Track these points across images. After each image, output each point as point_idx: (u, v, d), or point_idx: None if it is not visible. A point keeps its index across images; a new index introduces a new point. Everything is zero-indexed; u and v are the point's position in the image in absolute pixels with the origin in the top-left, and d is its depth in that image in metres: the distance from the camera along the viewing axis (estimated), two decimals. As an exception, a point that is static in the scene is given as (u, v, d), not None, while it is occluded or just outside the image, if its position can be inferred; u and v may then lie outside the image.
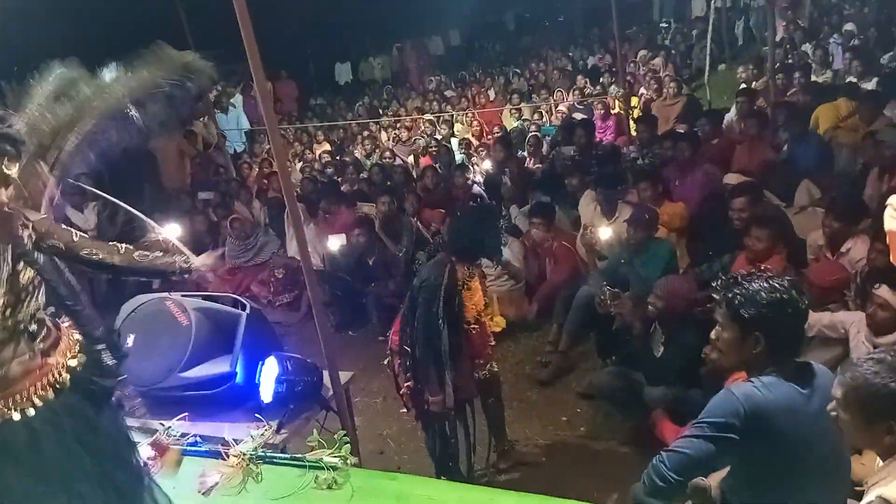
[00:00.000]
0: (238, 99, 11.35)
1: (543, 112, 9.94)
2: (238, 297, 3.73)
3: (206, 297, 3.67)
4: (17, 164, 2.07)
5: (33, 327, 2.06)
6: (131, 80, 2.29)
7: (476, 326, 3.45)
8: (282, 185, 3.50)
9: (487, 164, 7.40)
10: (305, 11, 14.65)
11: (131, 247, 2.35)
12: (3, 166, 2.01)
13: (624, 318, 3.98)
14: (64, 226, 2.30)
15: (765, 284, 2.04)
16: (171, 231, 2.68)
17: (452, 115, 10.73)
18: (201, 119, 9.49)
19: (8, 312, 1.99)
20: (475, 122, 10.07)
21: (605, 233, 4.71)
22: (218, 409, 3.31)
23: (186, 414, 3.17)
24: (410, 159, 9.01)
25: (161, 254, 2.45)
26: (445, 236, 3.91)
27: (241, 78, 13.24)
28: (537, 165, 7.34)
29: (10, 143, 2.03)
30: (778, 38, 9.41)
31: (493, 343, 3.70)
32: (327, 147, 10.47)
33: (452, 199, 6.61)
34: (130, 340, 3.47)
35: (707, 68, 9.78)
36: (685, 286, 3.86)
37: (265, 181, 8.63)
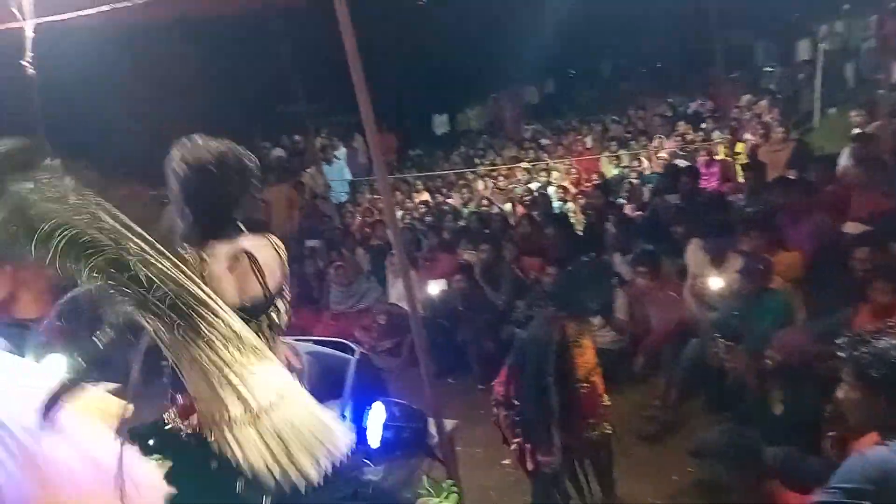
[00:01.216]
0: (342, 151, 11.83)
1: (643, 159, 9.82)
2: (347, 342, 3.83)
3: (316, 341, 3.81)
4: None
5: None
6: None
7: (587, 385, 3.38)
8: (391, 230, 3.60)
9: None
10: (404, 65, 15.23)
11: None
12: None
13: (738, 373, 3.82)
14: None
15: (895, 342, 1.94)
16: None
17: (548, 163, 10.77)
18: (309, 170, 9.95)
19: None
20: (572, 170, 10.06)
21: (715, 283, 4.56)
22: (326, 452, 3.38)
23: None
24: (508, 207, 9.07)
25: None
26: (554, 291, 3.88)
27: (345, 131, 13.87)
28: (638, 213, 7.23)
29: None
30: (894, 81, 8.99)
31: (606, 403, 3.61)
32: (426, 196, 10.71)
33: (551, 247, 6.59)
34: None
35: (817, 112, 9.42)
36: (804, 340, 3.68)
37: (368, 229, 8.91)
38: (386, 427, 3.34)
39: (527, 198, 8.76)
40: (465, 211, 9.40)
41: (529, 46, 14.31)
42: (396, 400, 3.52)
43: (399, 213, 10.16)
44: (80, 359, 3.73)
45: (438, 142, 16.44)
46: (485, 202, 9.21)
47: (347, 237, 8.61)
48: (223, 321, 2.02)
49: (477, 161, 12.58)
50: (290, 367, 3.62)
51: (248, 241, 2.26)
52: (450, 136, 17.00)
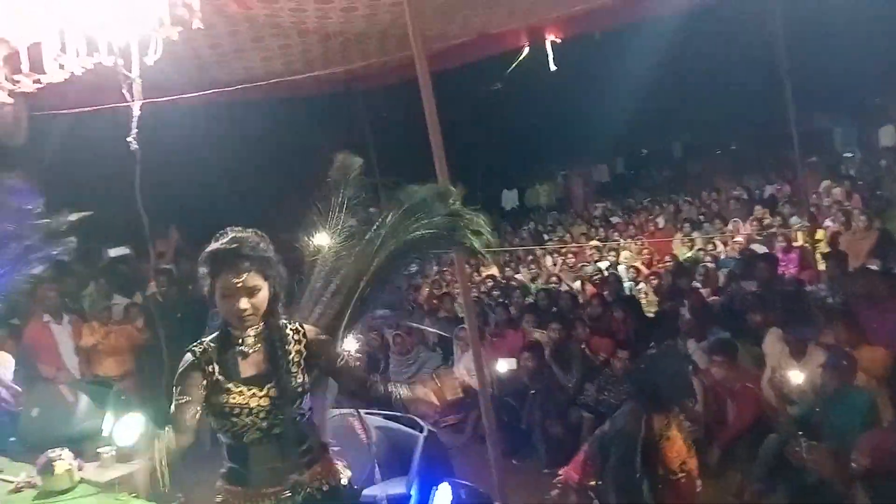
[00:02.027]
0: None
1: (718, 242, 9.65)
2: (416, 419, 3.86)
3: (385, 416, 3.84)
4: (267, 280, 2.33)
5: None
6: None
7: (683, 475, 3.28)
8: (464, 304, 3.64)
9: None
10: (475, 141, 15.63)
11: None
12: (249, 278, 2.28)
13: (821, 474, 3.63)
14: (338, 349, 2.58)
15: None
16: (349, 345, 2.89)
17: (620, 242, 10.70)
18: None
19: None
20: (644, 250, 9.96)
21: (795, 377, 4.39)
22: (392, 530, 3.37)
23: (363, 533, 3.25)
24: (577, 285, 9.02)
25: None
26: (635, 386, 3.82)
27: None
28: (713, 298, 7.06)
29: (265, 262, 2.32)
30: None
31: (699, 489, 3.48)
32: (493, 271, 10.75)
33: (621, 329, 6.49)
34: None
35: (901, 200, 9.13)
36: (893, 444, 3.48)
37: (436, 301, 8.99)
38: (452, 509, 3.32)
39: (596, 277, 8.70)
40: (533, 287, 9.38)
41: (600, 125, 14.50)
42: (463, 482, 3.51)
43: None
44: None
45: (507, 217, 16.61)
46: (553, 279, 9.18)
47: (416, 308, 8.70)
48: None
49: (546, 237, 12.61)
50: (359, 440, 3.68)
51: None
52: (518, 211, 17.17)
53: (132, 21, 3.50)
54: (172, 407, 2.23)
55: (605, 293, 7.61)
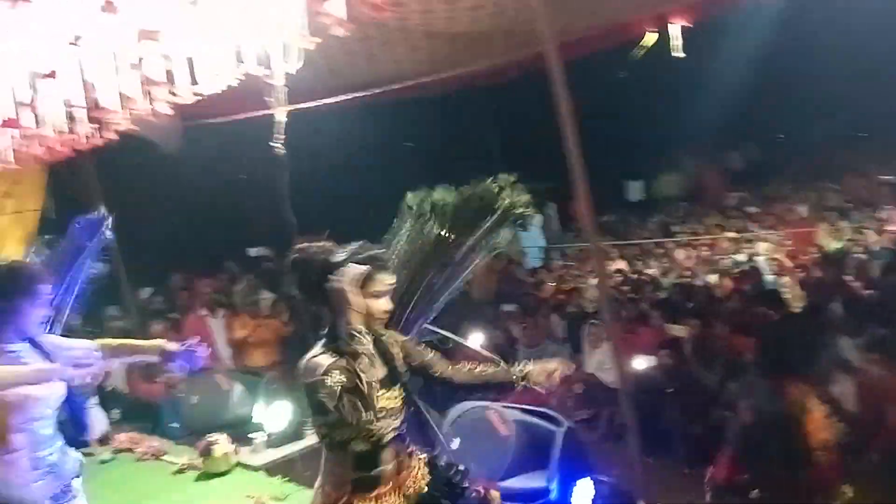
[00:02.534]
0: (538, 218, 12.01)
1: (869, 231, 8.93)
2: (555, 414, 3.85)
3: (524, 410, 3.86)
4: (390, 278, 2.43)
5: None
6: None
7: (824, 453, 3.11)
8: (601, 299, 3.59)
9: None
10: (597, 130, 15.29)
11: (469, 365, 2.63)
12: (380, 279, 2.37)
13: None
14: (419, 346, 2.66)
15: None
16: (475, 340, 2.93)
17: (759, 234, 10.14)
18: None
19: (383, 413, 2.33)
20: (786, 241, 9.37)
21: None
22: (531, 523, 3.38)
23: (502, 524, 3.28)
24: (713, 279, 8.62)
25: (491, 369, 2.67)
26: (768, 352, 3.64)
27: (542, 198, 14.09)
28: (867, 292, 6.55)
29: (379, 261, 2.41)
30: None
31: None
32: (622, 265, 10.50)
33: (765, 325, 6.15)
34: (455, 444, 3.76)
35: None
36: None
37: (562, 296, 8.91)
38: (594, 504, 3.29)
39: (735, 270, 8.28)
40: (665, 282, 9.07)
41: (733, 110, 13.78)
42: (604, 478, 3.47)
43: (593, 282, 10.05)
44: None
45: (634, 208, 16.11)
46: (687, 273, 8.83)
47: (542, 303, 8.66)
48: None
49: (676, 229, 12.15)
50: (497, 433, 3.73)
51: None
52: (645, 202, 16.61)
53: (276, 30, 3.71)
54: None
55: (746, 287, 7.25)
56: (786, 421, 3.01)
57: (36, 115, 3.73)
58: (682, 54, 6.50)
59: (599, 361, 6.52)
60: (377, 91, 6.49)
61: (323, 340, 2.30)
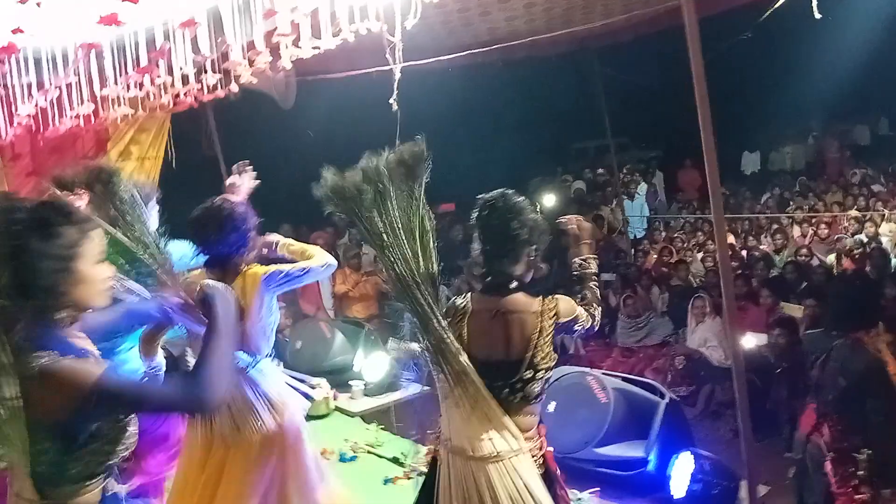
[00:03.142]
0: (643, 187, 11.67)
1: None
2: (657, 385, 3.77)
3: (625, 379, 3.81)
4: None
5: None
6: None
7: None
8: (721, 276, 3.45)
9: None
10: (713, 98, 14.56)
11: None
12: None
13: None
14: None
15: None
16: None
17: (885, 213, 9.45)
18: (609, 205, 9.98)
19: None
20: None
21: None
22: (626, 491, 3.36)
23: (598, 489, 3.28)
24: (831, 259, 8.14)
25: None
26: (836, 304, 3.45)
27: (648, 166, 13.64)
28: None
29: None
30: None
31: None
32: (732, 240, 10.06)
33: (889, 309, 5.76)
34: (551, 407, 3.75)
35: None
36: None
37: (665, 269, 8.65)
38: (694, 479, 3.21)
39: (857, 251, 7.77)
40: (778, 259, 8.64)
41: (861, 81, 12.79)
42: (707, 453, 3.37)
43: (699, 255, 9.70)
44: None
45: (747, 181, 15.35)
46: (804, 252, 8.36)
47: (643, 274, 8.45)
48: (469, 376, 2.25)
49: (793, 205, 11.50)
50: (596, 399, 3.68)
51: (512, 304, 2.36)
52: (760, 175, 15.77)
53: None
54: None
55: (868, 269, 6.80)
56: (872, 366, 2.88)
57: (169, 64, 3.91)
58: (819, 15, 6.10)
59: (703, 337, 6.32)
60: (489, 49, 6.40)
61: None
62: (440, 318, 2.31)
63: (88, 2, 3.42)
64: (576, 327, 2.36)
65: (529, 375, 2.26)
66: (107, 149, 6.24)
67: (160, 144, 6.49)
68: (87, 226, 1.67)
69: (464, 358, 2.27)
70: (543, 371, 2.28)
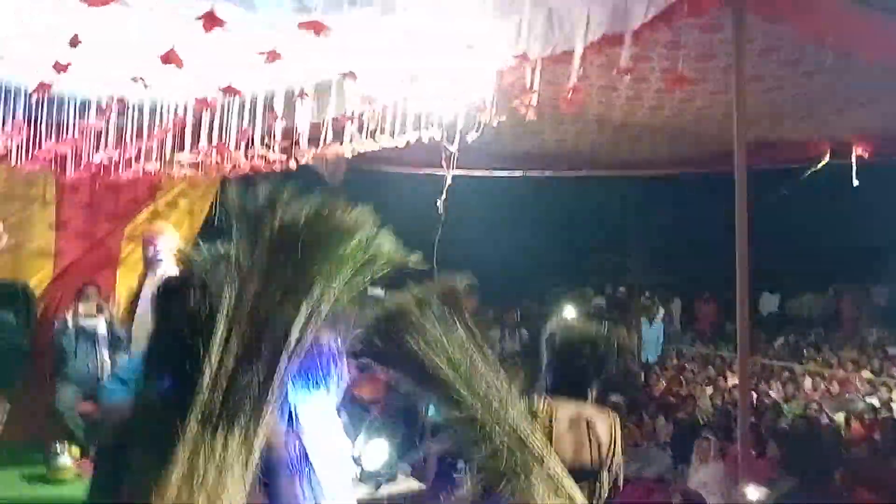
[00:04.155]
0: (661, 311, 11.77)
1: None
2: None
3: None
4: None
5: None
6: None
7: None
8: (740, 414, 3.47)
9: None
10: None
11: None
12: None
13: None
14: None
15: None
16: None
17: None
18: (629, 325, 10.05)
19: None
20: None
21: None
22: None
23: None
24: (839, 417, 8.08)
25: None
26: None
27: (668, 289, 13.75)
28: None
29: None
30: None
31: None
32: (741, 380, 10.03)
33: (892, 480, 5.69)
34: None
35: None
36: None
37: (673, 399, 8.62)
38: None
39: (868, 415, 7.73)
40: (786, 408, 8.58)
41: (881, 240, 13.01)
42: None
43: (709, 390, 9.66)
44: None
45: (763, 322, 15.38)
46: (814, 406, 8.32)
47: (651, 401, 8.42)
48: (556, 482, 2.06)
49: (806, 355, 11.50)
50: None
51: (590, 411, 2.51)
52: (776, 318, 15.81)
53: (462, 100, 3.95)
54: None
55: (876, 436, 6.76)
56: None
57: (238, 137, 4.14)
58: (857, 182, 6.42)
59: (703, 480, 6.25)
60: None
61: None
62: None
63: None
64: None
65: None
66: (156, 197, 6.50)
67: (207, 201, 6.76)
68: None
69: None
70: None
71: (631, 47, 2.78)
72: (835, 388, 9.33)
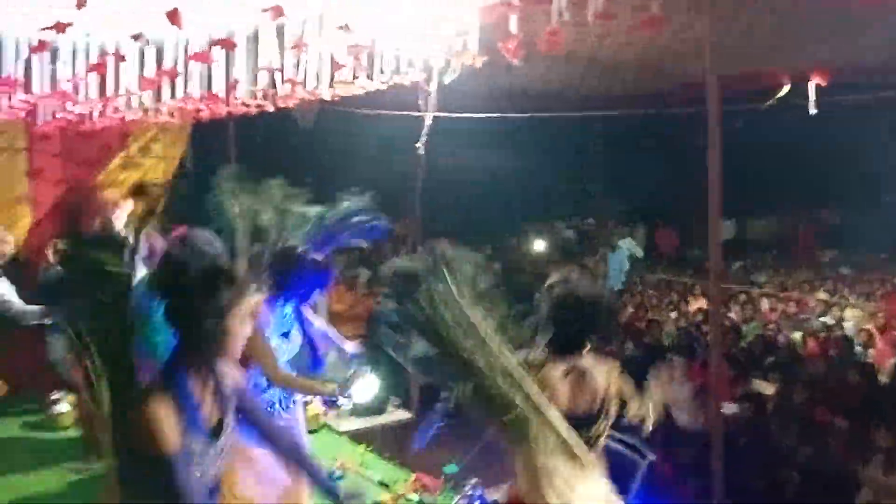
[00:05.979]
0: (626, 241, 12.07)
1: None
2: (640, 445, 4.01)
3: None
4: None
5: None
6: None
7: None
8: (712, 347, 3.71)
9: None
10: (695, 162, 15.10)
11: None
12: None
13: None
14: None
15: None
16: None
17: (849, 300, 9.94)
18: (595, 256, 10.35)
19: None
20: (880, 313, 9.15)
21: None
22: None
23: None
24: (797, 336, 8.55)
25: None
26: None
27: (630, 219, 14.10)
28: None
29: None
30: None
31: None
32: (703, 303, 10.47)
33: (849, 396, 6.12)
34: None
35: None
36: None
37: (638, 324, 8.99)
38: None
39: (821, 333, 8.20)
40: (746, 329, 9.04)
41: (848, 166, 13.43)
42: (679, 515, 3.62)
43: (673, 315, 10.08)
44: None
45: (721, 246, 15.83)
46: (771, 326, 8.78)
47: (618, 328, 8.75)
48: (553, 429, 2.29)
49: (763, 279, 12.01)
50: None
51: (588, 361, 2.61)
52: (734, 243, 16.34)
53: (440, 42, 3.97)
54: None
55: (832, 352, 7.21)
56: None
57: (227, 79, 4.06)
58: (815, 111, 6.56)
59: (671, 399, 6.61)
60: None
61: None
62: None
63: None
64: None
65: None
66: (128, 143, 6.42)
67: (181, 146, 6.70)
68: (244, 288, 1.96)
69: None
70: None
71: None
72: (791, 308, 9.80)
